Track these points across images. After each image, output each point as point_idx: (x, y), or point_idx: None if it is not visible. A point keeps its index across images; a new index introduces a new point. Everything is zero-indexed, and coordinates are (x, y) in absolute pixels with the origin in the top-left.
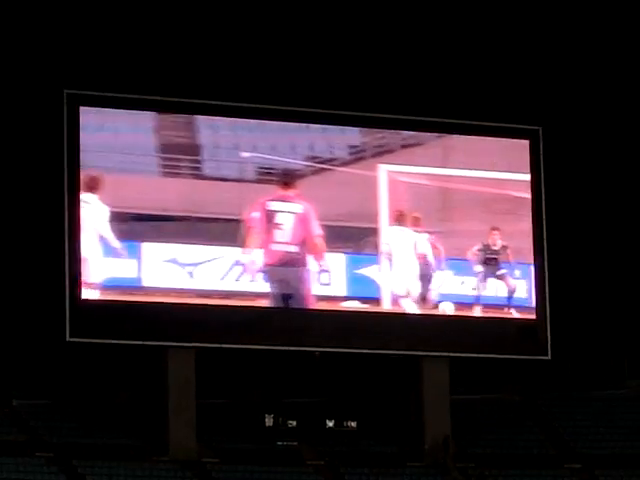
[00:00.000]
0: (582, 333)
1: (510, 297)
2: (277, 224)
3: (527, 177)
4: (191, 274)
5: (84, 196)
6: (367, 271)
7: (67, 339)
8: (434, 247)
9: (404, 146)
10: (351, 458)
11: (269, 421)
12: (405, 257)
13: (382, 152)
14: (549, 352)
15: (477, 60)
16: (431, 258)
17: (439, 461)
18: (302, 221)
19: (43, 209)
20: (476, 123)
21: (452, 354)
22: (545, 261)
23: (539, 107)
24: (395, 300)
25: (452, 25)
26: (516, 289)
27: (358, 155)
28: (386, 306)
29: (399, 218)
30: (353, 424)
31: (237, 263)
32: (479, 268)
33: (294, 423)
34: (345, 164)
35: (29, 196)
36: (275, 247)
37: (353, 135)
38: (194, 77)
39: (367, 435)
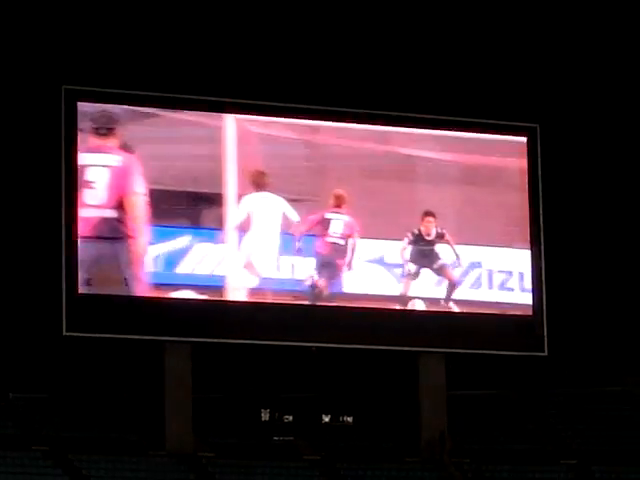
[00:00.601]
0: (579, 330)
1: (451, 290)
2: (88, 182)
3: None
4: None
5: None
6: (206, 250)
7: (64, 333)
8: (350, 230)
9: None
10: (347, 453)
11: (265, 416)
12: (267, 232)
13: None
14: (546, 348)
15: (475, 57)
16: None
17: (435, 456)
18: (120, 176)
19: (40, 203)
20: (473, 120)
21: (449, 350)
22: (542, 257)
23: (537, 104)
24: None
25: (450, 22)
26: (459, 282)
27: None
28: (232, 296)
29: (258, 181)
30: (349, 419)
31: None
32: (412, 267)
33: (290, 418)
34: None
35: (27, 190)
36: (87, 212)
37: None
38: (193, 73)
39: (363, 430)
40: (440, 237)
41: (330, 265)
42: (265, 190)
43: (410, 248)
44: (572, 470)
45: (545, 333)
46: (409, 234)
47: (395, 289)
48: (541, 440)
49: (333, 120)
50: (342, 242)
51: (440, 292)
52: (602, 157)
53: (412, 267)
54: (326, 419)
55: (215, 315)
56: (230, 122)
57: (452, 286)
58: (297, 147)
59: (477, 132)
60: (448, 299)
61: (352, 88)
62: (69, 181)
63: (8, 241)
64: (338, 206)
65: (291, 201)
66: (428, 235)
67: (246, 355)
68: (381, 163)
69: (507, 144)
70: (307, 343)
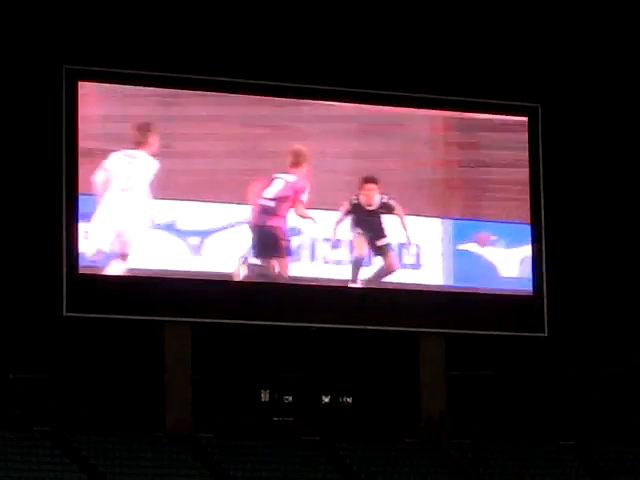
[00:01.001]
0: (580, 310)
1: (382, 275)
2: None
3: None
4: None
5: None
6: None
7: (64, 314)
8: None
9: None
10: (346, 434)
11: (265, 396)
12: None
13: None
14: (546, 329)
15: (475, 37)
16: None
17: (435, 437)
18: None
19: (41, 183)
20: (474, 100)
21: (449, 331)
22: (543, 236)
23: (538, 84)
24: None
25: (450, 1)
26: (396, 266)
27: None
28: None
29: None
30: (349, 400)
31: None
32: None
33: (290, 398)
34: None
35: (27, 171)
36: None
37: None
38: (194, 52)
39: (363, 411)
40: (387, 207)
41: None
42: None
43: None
44: (571, 451)
45: (545, 313)
46: (347, 202)
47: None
48: (540, 421)
49: (323, 99)
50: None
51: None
52: (603, 137)
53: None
54: (326, 400)
55: (215, 296)
56: None
57: (387, 271)
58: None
59: (478, 112)
60: (373, 280)
61: (346, 66)
62: (70, 161)
63: (8, 222)
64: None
65: None
66: (370, 205)
67: (246, 336)
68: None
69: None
70: (307, 324)
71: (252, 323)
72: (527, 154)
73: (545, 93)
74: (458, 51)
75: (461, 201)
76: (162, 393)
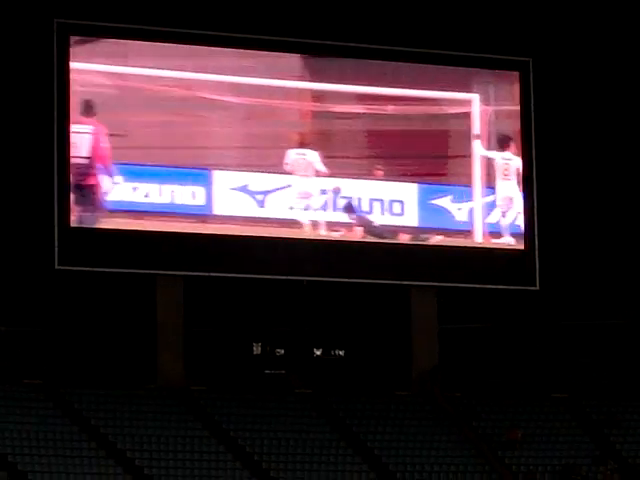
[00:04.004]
0: (572, 263)
1: None
2: None
3: None
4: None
5: None
6: None
7: (56, 267)
8: None
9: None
10: (338, 387)
11: (257, 349)
12: None
13: None
14: (537, 282)
15: None
16: None
17: (427, 390)
18: None
19: (32, 137)
20: (464, 54)
21: (440, 284)
22: (534, 191)
23: (529, 38)
24: None
25: None
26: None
27: None
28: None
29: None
30: (341, 353)
31: None
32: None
33: (282, 351)
34: None
35: (19, 124)
36: None
37: None
38: (187, 6)
39: (355, 364)
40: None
41: None
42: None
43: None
44: (563, 404)
45: (537, 267)
46: None
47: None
48: (532, 374)
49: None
50: None
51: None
52: (595, 93)
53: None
54: (318, 353)
55: (207, 248)
56: None
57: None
58: None
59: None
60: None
61: (333, 20)
62: (61, 115)
63: None
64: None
65: None
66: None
67: (238, 289)
68: None
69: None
70: (298, 276)
71: (244, 276)
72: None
73: (537, 47)
74: (446, 4)
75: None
76: (154, 346)
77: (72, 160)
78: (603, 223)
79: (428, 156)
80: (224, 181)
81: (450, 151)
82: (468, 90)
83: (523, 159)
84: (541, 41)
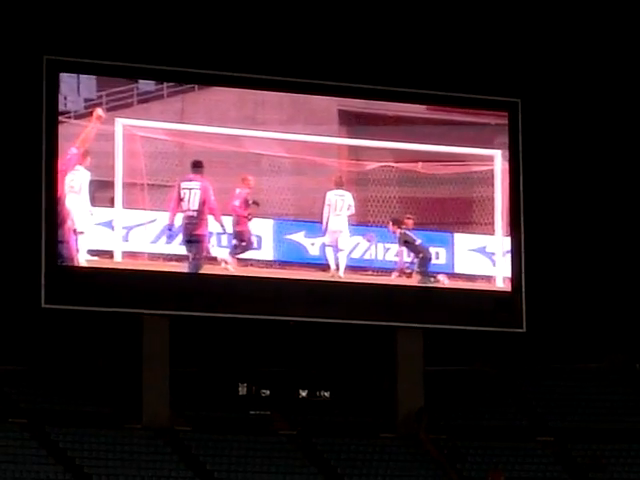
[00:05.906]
0: (558, 307)
1: None
2: None
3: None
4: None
5: None
6: None
7: (42, 305)
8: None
9: (141, 101)
10: (324, 428)
11: (242, 390)
12: None
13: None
14: (524, 324)
15: (456, 31)
16: None
17: (412, 432)
18: None
19: (21, 176)
20: (454, 94)
21: (426, 325)
22: (522, 233)
23: (518, 79)
24: None
25: None
26: None
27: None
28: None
29: None
30: (326, 394)
31: None
32: None
33: (267, 392)
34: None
35: (7, 162)
36: None
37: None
38: (173, 45)
39: (340, 405)
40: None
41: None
42: None
43: None
44: (548, 447)
45: (524, 309)
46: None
47: None
48: (517, 417)
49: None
50: None
51: None
52: (583, 134)
53: None
54: (303, 394)
55: (193, 289)
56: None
57: None
58: None
59: (457, 107)
60: None
61: (326, 61)
62: (50, 152)
63: None
64: None
65: None
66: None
67: (224, 329)
68: None
69: None
70: (285, 317)
71: (230, 316)
72: None
73: (525, 88)
74: (437, 46)
75: None
76: (140, 386)
77: None
78: (590, 265)
79: None
80: None
81: None
82: None
83: (511, 200)
84: (530, 83)
